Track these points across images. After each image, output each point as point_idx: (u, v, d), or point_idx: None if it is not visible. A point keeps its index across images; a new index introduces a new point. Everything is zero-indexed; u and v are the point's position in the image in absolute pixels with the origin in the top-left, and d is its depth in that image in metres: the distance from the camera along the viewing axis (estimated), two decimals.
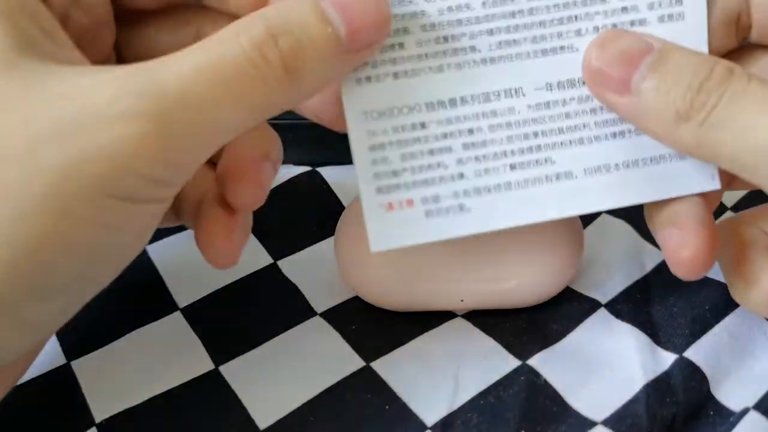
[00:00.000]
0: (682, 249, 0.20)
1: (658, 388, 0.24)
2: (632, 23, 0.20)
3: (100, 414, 0.24)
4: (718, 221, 0.22)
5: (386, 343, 0.26)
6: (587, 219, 0.31)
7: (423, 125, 0.20)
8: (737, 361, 0.25)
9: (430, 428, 0.24)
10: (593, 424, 0.23)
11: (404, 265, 0.26)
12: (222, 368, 0.26)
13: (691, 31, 0.20)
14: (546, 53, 0.20)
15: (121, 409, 0.24)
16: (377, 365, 0.26)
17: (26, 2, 0.17)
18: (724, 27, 0.21)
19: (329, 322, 0.27)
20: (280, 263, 0.30)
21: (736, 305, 0.27)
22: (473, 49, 0.20)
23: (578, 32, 0.20)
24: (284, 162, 0.34)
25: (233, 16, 0.19)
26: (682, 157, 0.21)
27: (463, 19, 0.20)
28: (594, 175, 0.21)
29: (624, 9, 0.20)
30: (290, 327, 0.27)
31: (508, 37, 0.20)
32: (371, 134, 0.20)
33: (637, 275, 0.29)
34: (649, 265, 0.29)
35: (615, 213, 0.32)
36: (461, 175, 0.20)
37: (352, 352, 0.26)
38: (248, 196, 0.22)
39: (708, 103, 0.18)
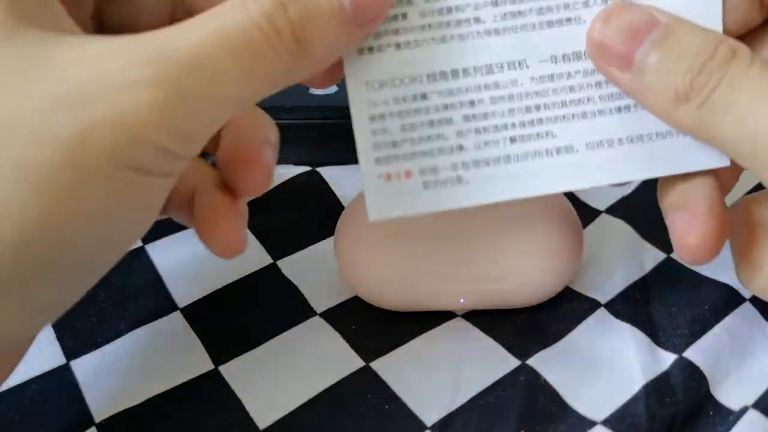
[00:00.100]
0: (689, 234, 0.20)
1: (657, 387, 0.24)
2: None
3: (99, 414, 0.24)
4: (731, 204, 0.21)
5: (386, 343, 0.26)
6: (587, 219, 0.31)
7: (424, 96, 0.20)
8: (737, 361, 0.25)
9: (430, 428, 0.24)
10: (593, 423, 0.23)
11: (404, 265, 0.26)
12: (222, 368, 0.26)
13: (706, 4, 0.19)
14: (552, 25, 0.20)
15: (120, 410, 0.24)
16: (377, 365, 0.26)
17: None
18: (747, 2, 0.20)
19: (329, 322, 0.27)
20: (280, 263, 0.30)
21: (735, 305, 0.27)
22: (477, 20, 0.20)
23: (586, 3, 0.20)
24: (284, 162, 0.35)
25: None
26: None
27: None
28: (596, 149, 0.20)
29: None
30: (290, 327, 0.27)
31: (513, 8, 0.20)
32: (372, 104, 0.20)
33: (636, 275, 0.29)
34: (649, 265, 0.29)
35: (615, 213, 0.32)
36: (461, 147, 0.20)
37: (352, 352, 0.26)
38: (258, 178, 0.22)
39: (708, 85, 0.17)
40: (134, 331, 0.27)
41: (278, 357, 0.26)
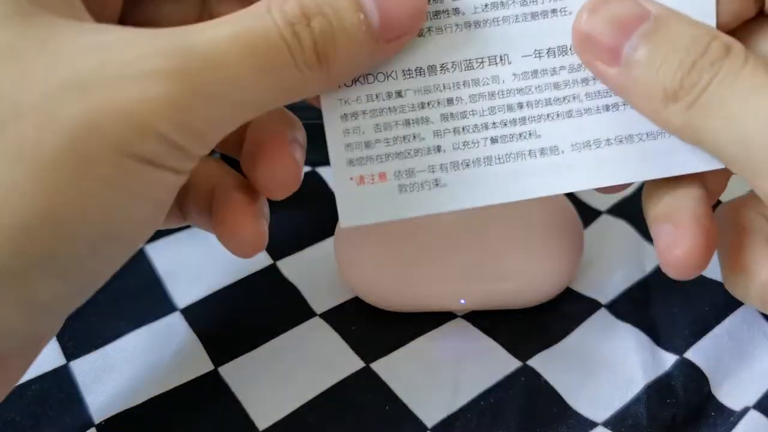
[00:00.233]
0: (674, 247, 0.19)
1: (658, 388, 0.24)
2: None
3: (99, 415, 0.24)
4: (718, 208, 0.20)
5: (386, 344, 0.26)
6: (588, 219, 0.31)
7: (399, 94, 0.19)
8: (737, 362, 0.25)
9: (430, 429, 0.24)
10: (594, 424, 0.23)
11: (404, 266, 0.26)
12: (221, 369, 0.26)
13: None
14: (536, 17, 0.19)
15: (120, 410, 0.24)
16: (377, 366, 0.26)
17: None
18: None
19: (329, 322, 0.27)
20: (280, 264, 0.30)
21: (736, 306, 0.27)
22: (456, 11, 0.18)
23: None
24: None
25: None
26: None
27: None
28: (583, 150, 0.19)
29: None
30: (290, 328, 0.27)
31: None
32: (343, 102, 0.19)
33: (637, 276, 0.29)
34: (650, 266, 0.29)
35: (616, 213, 0.32)
36: (438, 148, 0.19)
37: (352, 353, 0.26)
38: (285, 176, 0.20)
39: (699, 84, 0.16)
40: (134, 331, 0.27)
41: (278, 358, 0.26)
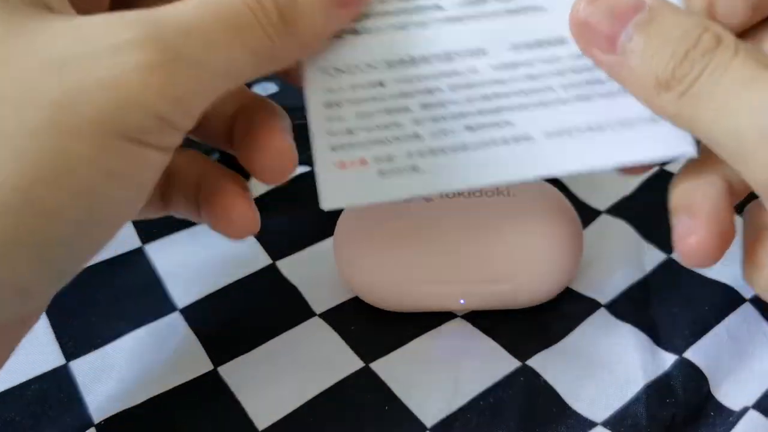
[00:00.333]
0: (688, 236, 0.19)
1: (658, 388, 0.24)
2: None
3: (98, 414, 0.24)
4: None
5: (386, 344, 0.26)
6: (587, 219, 0.31)
7: (381, 83, 0.20)
8: (737, 362, 0.25)
9: (430, 429, 0.24)
10: (593, 424, 0.23)
11: (404, 265, 0.26)
12: (221, 369, 0.26)
13: None
14: (513, 13, 0.20)
15: (119, 410, 0.24)
16: (377, 366, 0.26)
17: None
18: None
19: (328, 322, 0.27)
20: (279, 264, 0.30)
21: (736, 306, 0.27)
22: (438, 7, 0.20)
23: None
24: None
25: None
26: (655, 120, 0.20)
27: None
28: (555, 138, 0.20)
29: None
30: (289, 328, 0.27)
31: None
32: (328, 91, 0.20)
33: (637, 276, 0.29)
34: (649, 266, 0.29)
35: (615, 213, 0.32)
36: (417, 136, 0.20)
37: (352, 352, 0.26)
38: (282, 162, 0.21)
39: (690, 74, 0.17)
40: (133, 331, 0.27)
41: (277, 358, 0.26)
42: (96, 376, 0.25)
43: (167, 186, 0.22)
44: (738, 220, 0.19)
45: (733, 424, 0.23)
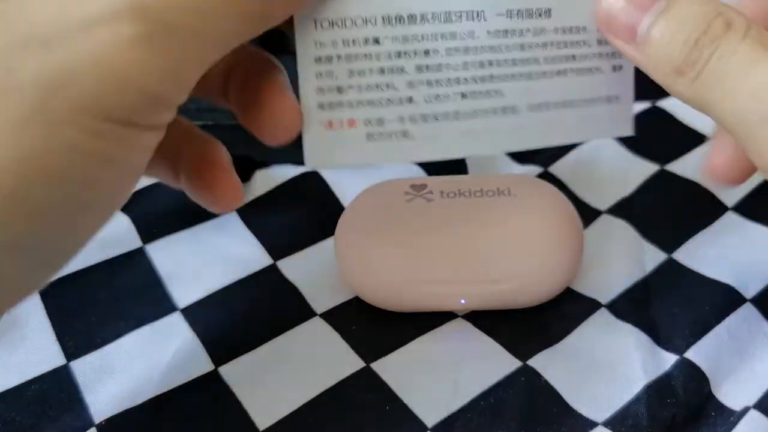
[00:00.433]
0: (715, 156, 0.21)
1: (658, 388, 0.24)
2: None
3: (99, 415, 0.24)
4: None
5: (386, 344, 0.26)
6: (588, 219, 0.31)
7: (376, 41, 0.19)
8: (738, 362, 0.25)
9: (431, 429, 0.24)
10: (594, 424, 0.23)
11: (405, 265, 0.26)
12: (221, 369, 0.26)
13: None
14: None
15: (120, 410, 0.24)
16: (377, 366, 0.26)
17: None
18: None
19: (329, 322, 0.27)
20: (280, 264, 0.30)
21: (736, 306, 0.27)
22: None
23: None
24: (284, 162, 0.35)
25: None
26: (610, 101, 0.20)
27: None
28: (536, 111, 0.20)
29: None
30: (290, 328, 0.27)
31: None
32: (319, 45, 0.18)
33: (637, 275, 0.29)
34: (650, 266, 0.29)
35: (616, 213, 0.32)
36: (410, 99, 0.19)
37: (352, 353, 0.26)
38: (291, 114, 0.20)
39: (700, 60, 0.18)
40: (134, 331, 0.27)
41: (278, 358, 0.26)
42: (97, 377, 0.25)
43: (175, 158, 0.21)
44: None
45: (734, 424, 0.23)
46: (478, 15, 0.19)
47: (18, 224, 0.14)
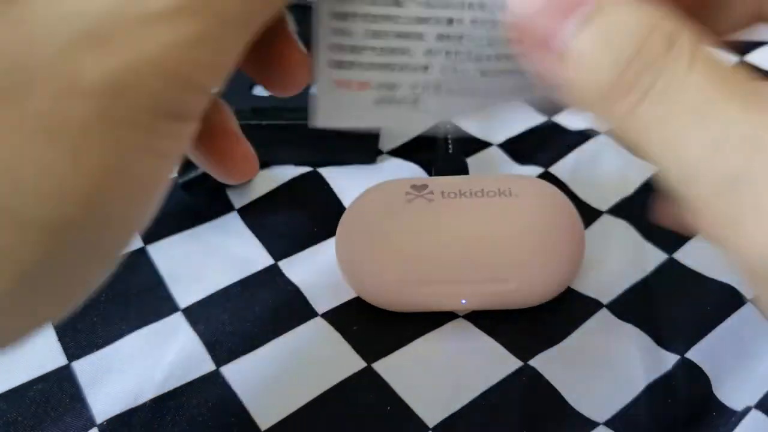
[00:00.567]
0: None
1: (659, 388, 0.24)
2: None
3: (101, 415, 0.24)
4: None
5: (387, 344, 0.26)
6: (589, 219, 0.31)
7: (398, 2, 0.17)
8: (739, 362, 0.25)
9: (431, 429, 0.24)
10: (595, 424, 0.23)
11: (406, 265, 0.26)
12: (223, 369, 0.26)
13: None
14: None
15: (122, 410, 0.24)
16: (378, 366, 0.26)
17: None
18: None
19: (330, 323, 0.27)
20: (281, 264, 0.30)
21: (737, 306, 0.27)
22: None
23: None
24: (284, 162, 0.35)
25: None
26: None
27: None
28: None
29: None
30: (291, 328, 0.27)
31: None
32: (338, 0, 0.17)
33: (638, 276, 0.29)
34: (651, 266, 0.29)
35: (617, 213, 0.32)
36: (425, 68, 0.18)
37: (354, 353, 0.26)
38: (302, 74, 0.19)
39: (636, 87, 0.14)
40: (135, 332, 0.27)
41: (280, 358, 0.26)
42: (98, 377, 0.25)
43: None
44: None
45: (735, 424, 0.23)
46: None
47: (90, 233, 0.13)
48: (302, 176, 0.34)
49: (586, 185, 0.33)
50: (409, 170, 0.33)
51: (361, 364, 0.26)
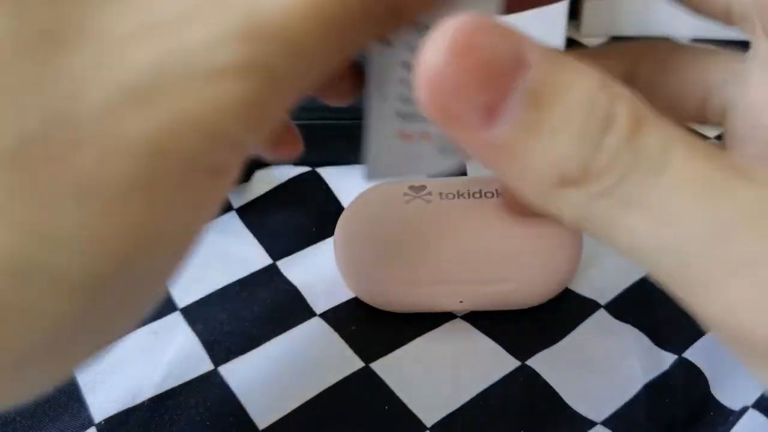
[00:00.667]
0: None
1: (657, 388, 0.24)
2: None
3: (99, 414, 0.24)
4: None
5: (385, 344, 0.26)
6: None
7: None
8: (737, 361, 0.25)
9: (430, 429, 0.24)
10: (593, 424, 0.23)
11: (404, 266, 0.26)
12: (221, 368, 0.26)
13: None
14: None
15: (120, 410, 0.24)
16: (377, 366, 0.26)
17: None
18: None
19: (328, 323, 0.27)
20: (280, 264, 0.30)
21: None
22: None
23: None
24: (283, 162, 0.35)
25: None
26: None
27: None
28: None
29: None
30: (289, 328, 0.27)
31: None
32: (410, 49, 0.16)
33: (636, 276, 0.29)
34: None
35: None
36: None
37: (352, 353, 0.26)
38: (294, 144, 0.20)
39: (612, 170, 0.12)
40: (134, 331, 0.27)
41: (278, 358, 0.26)
42: (96, 376, 0.25)
43: None
44: None
45: (733, 423, 0.23)
46: None
47: (124, 292, 0.13)
48: (301, 176, 0.34)
49: None
50: None
51: (359, 363, 0.26)
